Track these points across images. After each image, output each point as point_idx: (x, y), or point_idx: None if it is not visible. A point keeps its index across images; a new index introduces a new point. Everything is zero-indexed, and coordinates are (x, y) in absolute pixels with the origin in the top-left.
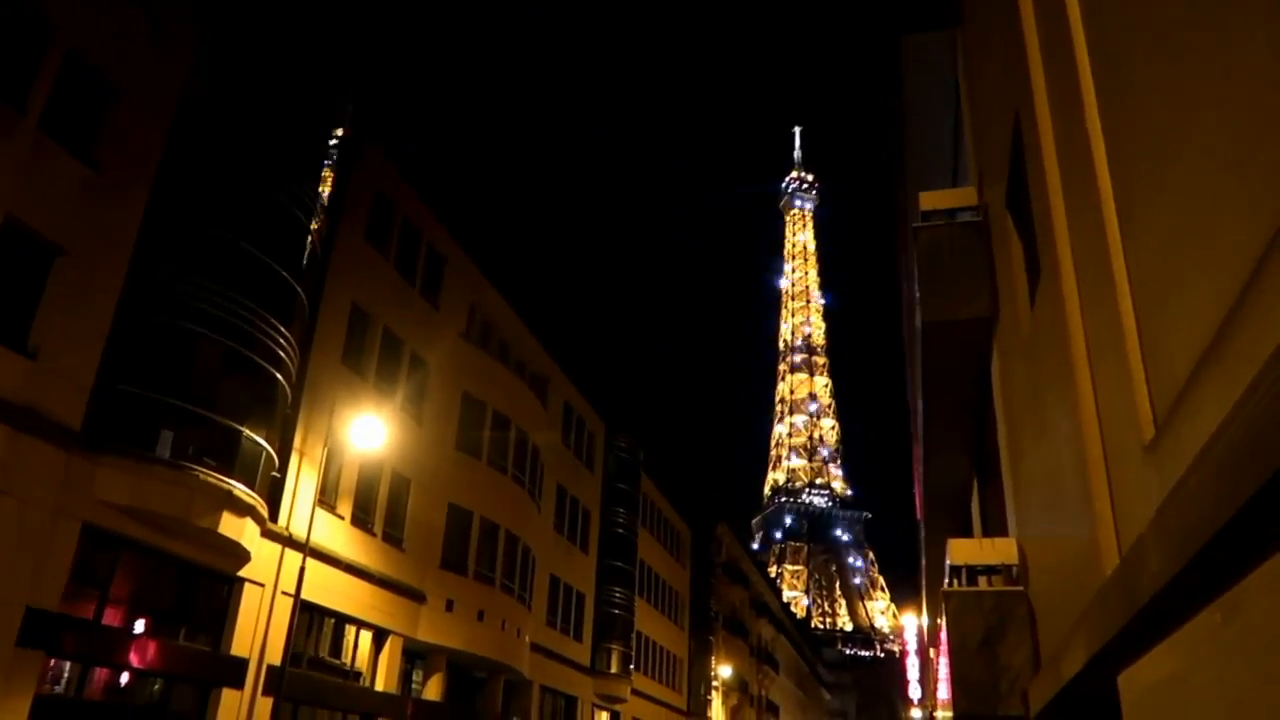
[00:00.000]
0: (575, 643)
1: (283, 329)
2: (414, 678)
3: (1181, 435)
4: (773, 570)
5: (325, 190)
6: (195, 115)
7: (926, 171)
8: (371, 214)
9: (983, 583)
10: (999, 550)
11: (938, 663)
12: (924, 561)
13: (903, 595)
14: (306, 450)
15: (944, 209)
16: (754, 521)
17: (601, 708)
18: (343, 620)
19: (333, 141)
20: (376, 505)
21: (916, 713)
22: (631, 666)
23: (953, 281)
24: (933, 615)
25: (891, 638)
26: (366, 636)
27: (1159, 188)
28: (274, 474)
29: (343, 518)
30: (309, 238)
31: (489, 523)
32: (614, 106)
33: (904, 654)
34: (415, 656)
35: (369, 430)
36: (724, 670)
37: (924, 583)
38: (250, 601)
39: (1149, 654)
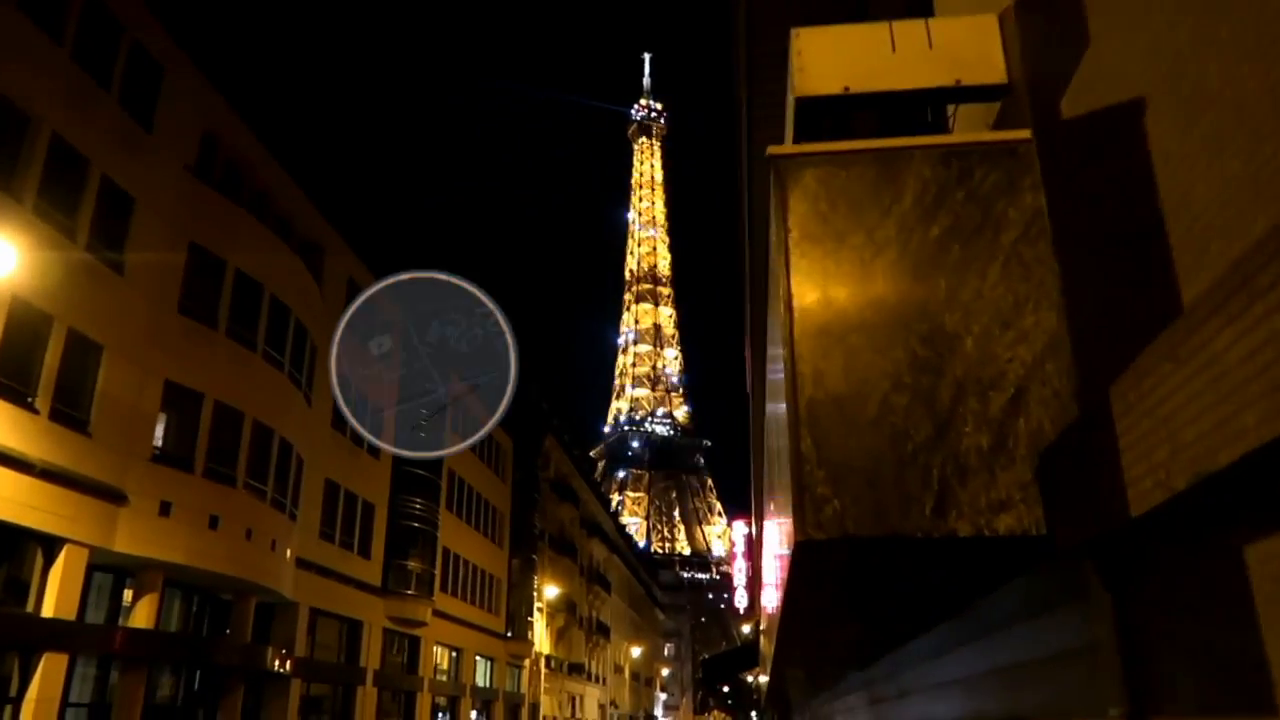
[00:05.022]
0: (361, 559)
1: None
2: (125, 601)
3: None
4: (615, 497)
5: None
6: None
7: None
8: None
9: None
10: (945, 46)
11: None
12: (752, 433)
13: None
14: None
15: None
16: (596, 450)
17: (395, 632)
18: None
19: None
20: (39, 373)
21: (746, 628)
22: (436, 586)
23: None
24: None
25: (727, 561)
26: (31, 548)
27: None
28: None
29: None
30: None
31: (229, 409)
32: None
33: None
34: (125, 574)
35: None
36: (550, 591)
37: (752, 468)
38: None
39: None
